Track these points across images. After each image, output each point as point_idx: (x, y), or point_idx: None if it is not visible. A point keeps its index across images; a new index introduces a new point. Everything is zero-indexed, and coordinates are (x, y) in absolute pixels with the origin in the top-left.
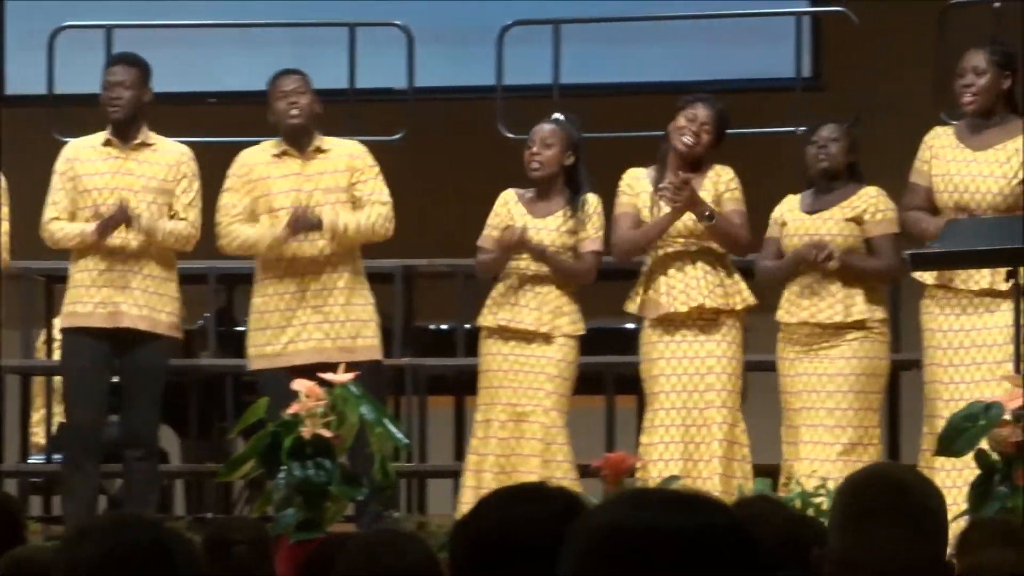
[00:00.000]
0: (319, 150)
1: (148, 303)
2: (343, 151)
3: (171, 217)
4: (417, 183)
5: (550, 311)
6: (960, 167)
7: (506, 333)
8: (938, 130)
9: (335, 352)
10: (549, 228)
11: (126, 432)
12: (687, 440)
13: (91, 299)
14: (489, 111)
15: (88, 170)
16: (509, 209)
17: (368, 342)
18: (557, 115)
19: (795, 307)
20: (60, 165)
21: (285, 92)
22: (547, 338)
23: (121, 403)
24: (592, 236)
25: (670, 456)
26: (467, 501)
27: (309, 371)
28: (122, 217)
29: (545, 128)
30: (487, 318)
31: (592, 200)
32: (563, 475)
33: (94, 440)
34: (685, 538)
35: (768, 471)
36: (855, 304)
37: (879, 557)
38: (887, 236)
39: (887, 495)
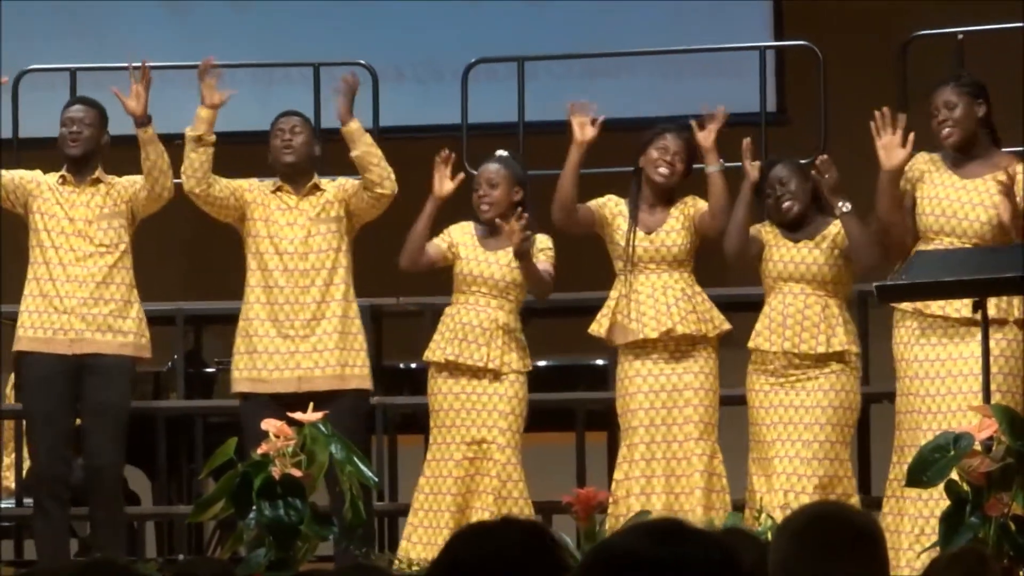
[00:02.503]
0: (316, 188)
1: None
2: (338, 185)
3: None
4: (384, 221)
5: (498, 347)
6: (948, 192)
7: (456, 370)
8: (924, 155)
9: (323, 382)
10: (500, 263)
11: (87, 472)
12: (667, 473)
13: (51, 324)
14: (455, 149)
15: (42, 206)
16: (458, 238)
17: (358, 371)
18: (501, 152)
19: (775, 335)
20: (24, 172)
21: (281, 130)
22: (497, 375)
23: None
24: (544, 260)
25: (651, 490)
26: (417, 540)
27: (294, 400)
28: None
29: (491, 168)
30: (435, 352)
31: (542, 238)
32: (518, 511)
33: (61, 483)
34: (681, 568)
35: (736, 504)
36: (835, 335)
37: None
38: None
39: (833, 532)
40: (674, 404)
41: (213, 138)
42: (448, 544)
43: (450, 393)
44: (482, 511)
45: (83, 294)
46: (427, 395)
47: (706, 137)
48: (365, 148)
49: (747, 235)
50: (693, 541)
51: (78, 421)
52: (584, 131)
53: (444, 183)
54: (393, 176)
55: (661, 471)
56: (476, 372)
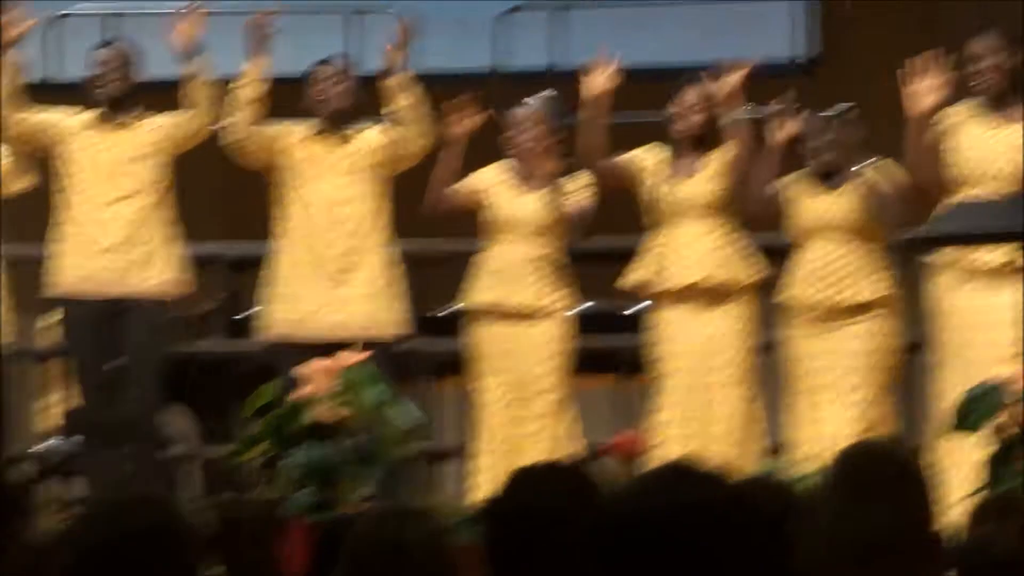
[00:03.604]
0: (353, 135)
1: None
2: (375, 132)
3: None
4: (415, 168)
5: (544, 286)
6: (980, 140)
7: (497, 312)
8: (956, 106)
9: (360, 330)
10: (535, 204)
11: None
12: (703, 419)
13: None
14: (486, 97)
15: (72, 148)
16: (490, 181)
17: (395, 317)
18: (539, 95)
19: (810, 287)
20: (54, 112)
21: (322, 77)
22: (541, 315)
23: (121, 384)
24: (583, 198)
25: (688, 435)
26: (482, 483)
27: (329, 348)
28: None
29: (525, 109)
30: (476, 297)
31: (582, 175)
32: (566, 452)
33: (106, 421)
34: (689, 513)
35: (773, 451)
36: (872, 283)
37: (870, 531)
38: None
39: (877, 471)
40: (708, 350)
41: (258, 95)
42: (502, 488)
43: (492, 338)
44: (537, 454)
45: (118, 236)
46: (468, 341)
47: (721, 89)
48: (403, 101)
49: (764, 195)
50: (700, 486)
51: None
52: (590, 87)
53: (456, 128)
54: (428, 131)
55: (697, 416)
56: (520, 314)
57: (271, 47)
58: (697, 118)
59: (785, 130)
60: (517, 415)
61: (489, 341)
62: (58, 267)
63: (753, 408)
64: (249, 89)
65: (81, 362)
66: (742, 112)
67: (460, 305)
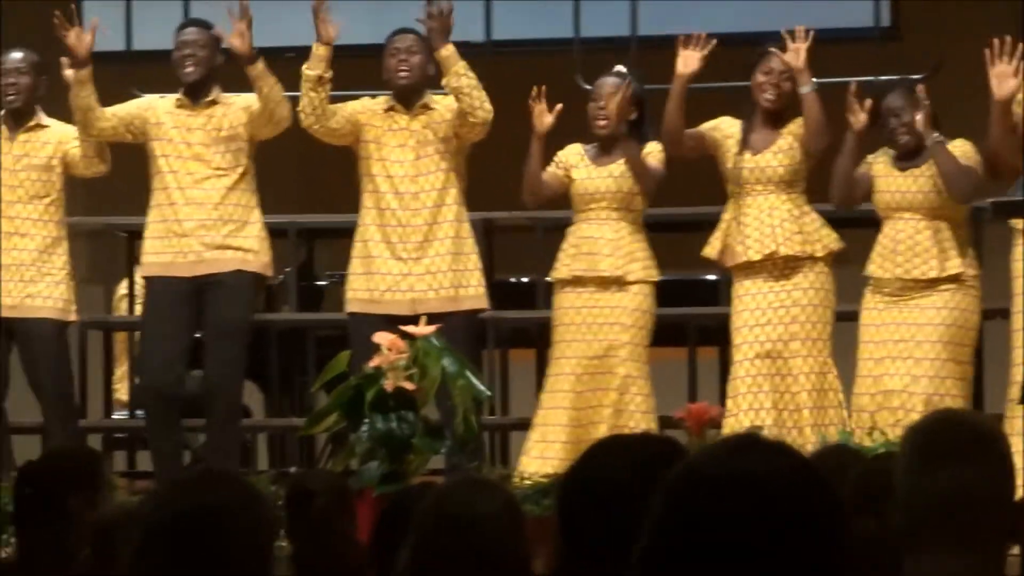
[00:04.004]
0: (426, 107)
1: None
2: (448, 103)
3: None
4: (494, 136)
5: (623, 256)
6: None
7: (580, 283)
8: None
9: (436, 303)
10: (615, 175)
11: (206, 388)
12: (775, 390)
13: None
14: (567, 63)
15: (159, 132)
16: (570, 160)
17: (472, 291)
18: (620, 68)
19: (888, 262)
20: (139, 101)
21: (397, 50)
22: (621, 285)
23: (199, 358)
24: (653, 161)
25: (761, 406)
26: (537, 455)
27: (402, 321)
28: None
29: (608, 82)
30: (561, 270)
31: (653, 144)
32: (635, 425)
33: (172, 395)
34: (755, 483)
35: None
36: (949, 259)
37: (946, 496)
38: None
39: (955, 436)
40: (780, 321)
41: (330, 74)
42: (579, 459)
43: (572, 307)
44: (599, 425)
45: (201, 216)
46: (551, 310)
47: (795, 57)
48: (457, 78)
49: (852, 184)
50: (767, 454)
51: (197, 335)
52: (688, 63)
53: (543, 118)
54: (487, 104)
55: (770, 387)
56: (602, 283)
57: (333, 28)
58: (789, 86)
59: (861, 116)
60: (592, 386)
61: (570, 311)
62: (146, 249)
63: (828, 379)
64: (316, 70)
65: (156, 336)
66: (814, 82)
67: (540, 278)
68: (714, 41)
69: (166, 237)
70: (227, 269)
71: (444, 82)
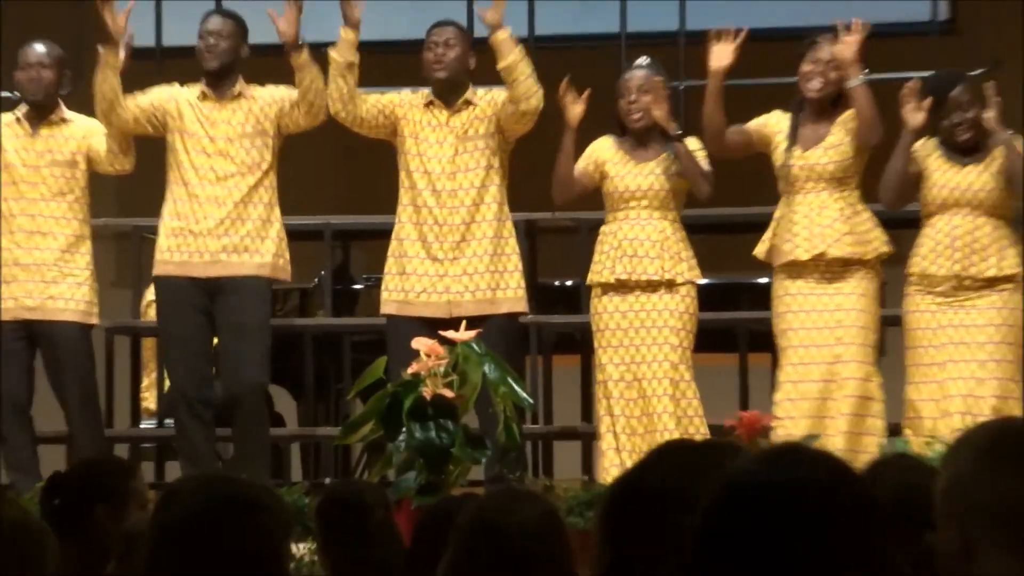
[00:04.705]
0: (468, 102)
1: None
2: (490, 98)
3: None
4: (537, 134)
5: (670, 258)
6: None
7: (623, 287)
8: None
9: (472, 306)
10: (655, 172)
11: (227, 394)
12: (818, 397)
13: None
14: (612, 59)
15: (181, 125)
16: (603, 155)
17: (511, 293)
18: (644, 59)
19: (943, 259)
20: (160, 91)
21: (435, 43)
22: (668, 287)
23: (224, 364)
24: (699, 156)
25: (800, 413)
26: (609, 464)
27: (441, 325)
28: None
29: (639, 74)
30: (602, 274)
31: (693, 141)
32: (695, 431)
33: (202, 403)
34: (796, 493)
35: (893, 429)
36: (1006, 258)
37: (1003, 497)
38: None
39: (1012, 443)
40: (825, 324)
41: (357, 59)
42: (631, 469)
43: (616, 311)
44: (663, 433)
45: (220, 215)
46: (590, 316)
47: (845, 50)
48: (514, 59)
49: (905, 184)
50: (810, 464)
51: (215, 341)
52: (720, 57)
53: (574, 109)
54: (540, 93)
55: (812, 394)
56: (646, 287)
57: (359, 9)
58: (834, 75)
59: (919, 115)
60: (638, 393)
61: (612, 316)
62: (160, 247)
63: (871, 388)
64: (344, 56)
65: (176, 342)
66: (865, 76)
67: (584, 281)
68: (745, 31)
69: (182, 235)
70: (243, 273)
71: (499, 66)
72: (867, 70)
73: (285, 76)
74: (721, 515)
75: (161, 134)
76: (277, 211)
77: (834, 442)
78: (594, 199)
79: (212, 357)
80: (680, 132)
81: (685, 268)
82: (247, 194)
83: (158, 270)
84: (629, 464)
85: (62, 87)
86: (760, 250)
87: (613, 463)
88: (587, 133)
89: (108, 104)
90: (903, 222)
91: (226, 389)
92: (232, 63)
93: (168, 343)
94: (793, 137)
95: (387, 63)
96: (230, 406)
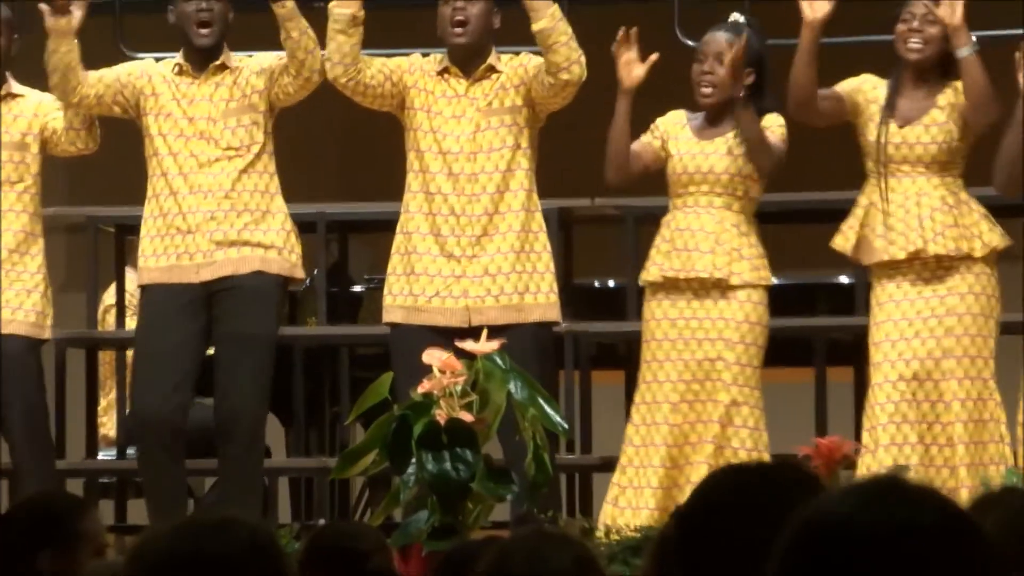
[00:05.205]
0: (491, 69)
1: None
2: (517, 63)
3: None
4: (578, 103)
5: (726, 253)
6: None
7: (675, 289)
8: None
9: (495, 313)
10: (720, 152)
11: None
12: (923, 420)
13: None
14: (664, 15)
15: (155, 105)
16: (670, 130)
17: (542, 299)
18: (737, 16)
19: None
20: (130, 66)
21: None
22: (724, 290)
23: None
24: (773, 136)
25: (903, 440)
26: (625, 504)
27: (461, 335)
28: None
29: (721, 39)
30: (651, 271)
31: (773, 117)
32: None
33: (175, 430)
34: (895, 536)
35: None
36: None
37: None
38: None
39: None
40: (931, 334)
41: (362, 13)
42: (707, 479)
43: (665, 319)
44: (698, 466)
45: (210, 207)
46: (639, 322)
47: (951, 13)
48: (551, 22)
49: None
50: (911, 501)
51: (210, 351)
52: (816, 8)
53: (631, 70)
54: (583, 60)
55: (916, 417)
56: (700, 289)
57: None
58: (934, 31)
59: None
60: (691, 417)
61: (664, 323)
62: (143, 251)
63: (989, 407)
64: (347, 8)
65: (150, 360)
66: (974, 42)
67: (629, 282)
68: None
69: (167, 235)
70: (244, 271)
71: (534, 28)
72: (974, 38)
73: (271, 39)
74: (808, 557)
75: (132, 117)
76: (279, 200)
77: (947, 475)
78: (643, 183)
79: (195, 377)
80: (745, 93)
81: (746, 268)
82: (238, 180)
83: (142, 279)
84: (643, 504)
85: (10, 53)
86: (841, 242)
87: (622, 502)
88: (640, 97)
89: (62, 78)
90: (1017, 209)
91: (218, 410)
92: (224, 32)
93: (141, 360)
94: (890, 109)
95: (391, 20)
96: (221, 430)
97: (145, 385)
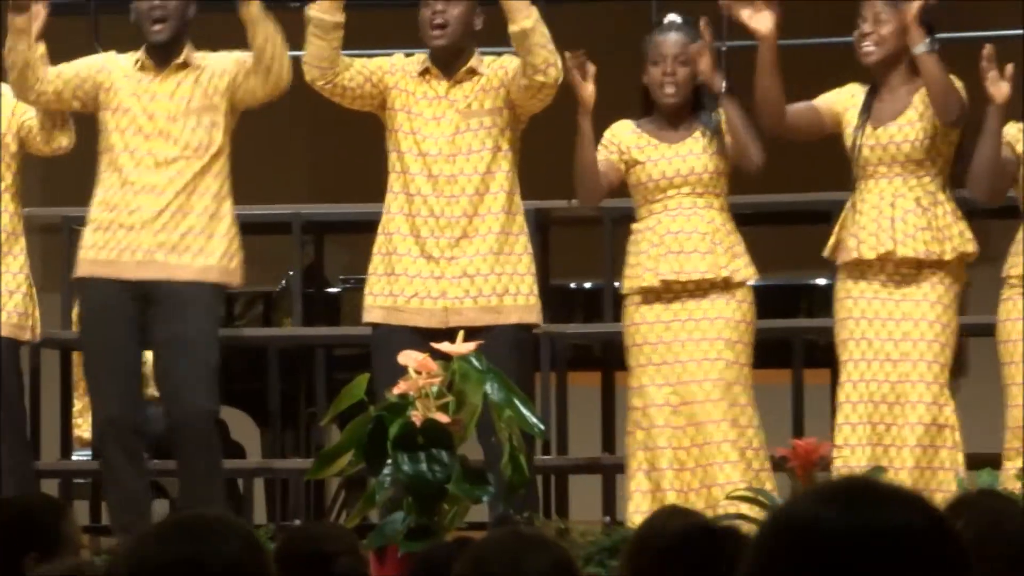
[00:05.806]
0: (472, 72)
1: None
2: (499, 65)
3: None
4: (557, 104)
5: (724, 252)
6: None
7: (666, 293)
8: None
9: (474, 314)
10: (694, 152)
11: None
12: (876, 421)
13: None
14: (643, 14)
15: (114, 100)
16: (626, 140)
17: (521, 300)
18: (674, 17)
19: None
20: (90, 60)
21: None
22: (722, 289)
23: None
24: None
25: (856, 440)
26: (644, 509)
27: (440, 336)
28: None
29: (676, 39)
30: (643, 277)
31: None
32: (759, 466)
33: (135, 430)
34: (863, 538)
35: (991, 461)
36: None
37: None
38: None
39: None
40: (890, 336)
41: (342, 18)
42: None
43: (658, 322)
44: (722, 466)
45: (158, 206)
46: (623, 328)
47: (908, 9)
48: (529, 22)
49: (997, 172)
50: (888, 504)
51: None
52: (763, 21)
53: (587, 89)
54: (560, 62)
55: (868, 418)
56: (694, 291)
57: None
58: (886, 31)
59: (1003, 86)
60: (687, 420)
61: (652, 327)
62: (84, 243)
63: (945, 413)
64: (328, 14)
65: (101, 357)
66: (931, 40)
67: (607, 284)
68: None
69: (110, 229)
70: (182, 278)
71: (511, 30)
72: (932, 34)
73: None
74: (778, 563)
75: (92, 111)
76: (229, 203)
77: (900, 477)
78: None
79: (142, 376)
80: (726, 88)
81: (742, 265)
82: (191, 181)
83: (81, 270)
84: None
85: None
86: (828, 248)
87: (639, 509)
88: (616, 98)
89: (19, 75)
90: (994, 213)
91: (167, 414)
92: (180, 28)
93: (91, 358)
94: (866, 112)
95: (371, 20)
96: (174, 434)
97: (100, 384)
